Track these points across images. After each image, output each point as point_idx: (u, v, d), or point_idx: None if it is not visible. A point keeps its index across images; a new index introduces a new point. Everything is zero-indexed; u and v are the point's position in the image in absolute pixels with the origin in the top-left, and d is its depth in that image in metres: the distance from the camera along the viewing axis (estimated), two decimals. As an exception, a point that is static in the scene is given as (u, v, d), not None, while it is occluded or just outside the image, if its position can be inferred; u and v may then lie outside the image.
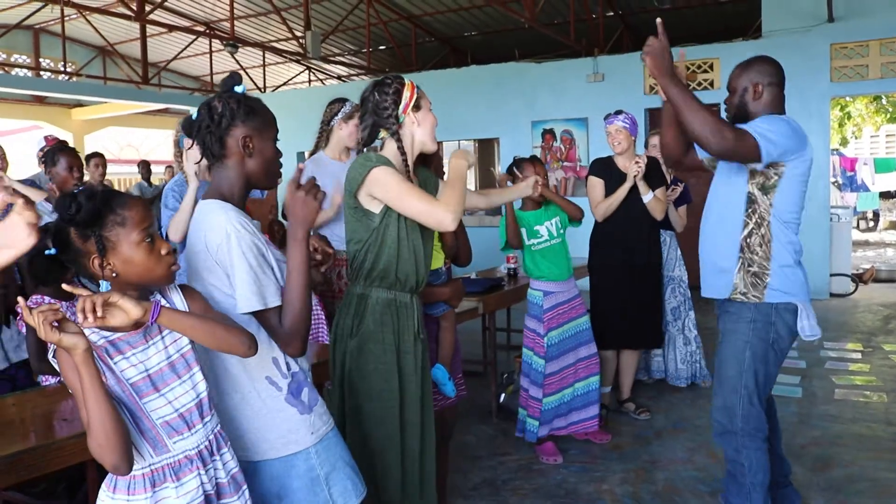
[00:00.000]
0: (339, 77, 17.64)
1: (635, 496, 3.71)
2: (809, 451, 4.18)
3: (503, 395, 4.99)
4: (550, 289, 4.21)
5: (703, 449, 4.26)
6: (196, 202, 3.63)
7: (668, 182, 4.97)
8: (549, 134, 10.67)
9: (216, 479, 1.74)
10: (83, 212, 1.56)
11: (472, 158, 2.54)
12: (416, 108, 2.52)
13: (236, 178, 1.94)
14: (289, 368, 1.93)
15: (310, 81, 17.71)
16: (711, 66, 9.56)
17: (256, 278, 1.82)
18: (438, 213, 2.33)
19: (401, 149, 2.49)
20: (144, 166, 10.26)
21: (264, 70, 16.09)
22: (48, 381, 3.10)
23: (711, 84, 9.53)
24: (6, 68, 14.76)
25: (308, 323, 1.90)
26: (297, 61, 16.16)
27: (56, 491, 3.57)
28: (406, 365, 2.48)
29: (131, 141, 21.26)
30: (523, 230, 4.20)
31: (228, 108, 1.91)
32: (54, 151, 4.20)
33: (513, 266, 5.48)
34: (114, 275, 1.62)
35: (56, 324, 1.44)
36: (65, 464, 2.34)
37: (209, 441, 1.73)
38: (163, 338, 1.70)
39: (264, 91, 16.25)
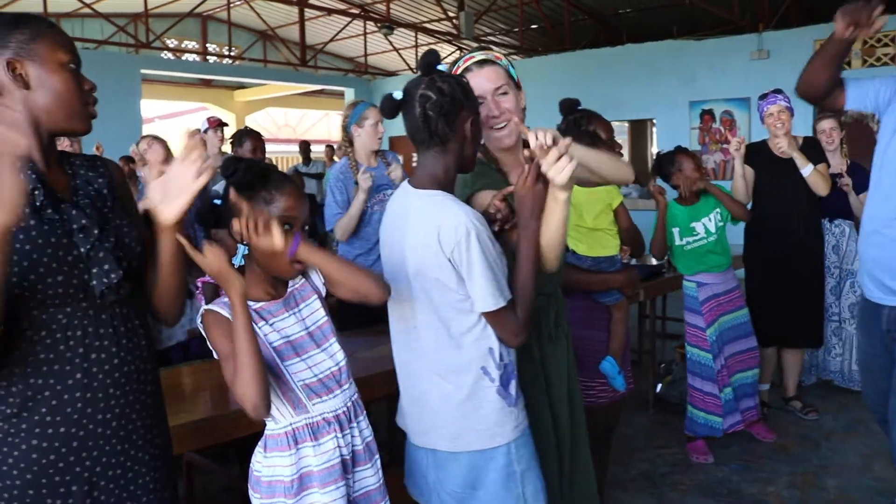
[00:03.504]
0: (489, 57, 17.61)
1: (804, 502, 3.51)
2: None
3: (660, 386, 4.85)
4: (705, 280, 3.98)
5: (882, 457, 3.94)
6: (363, 207, 3.73)
7: (845, 167, 4.62)
8: (707, 115, 10.25)
9: (353, 445, 1.80)
10: (237, 177, 1.70)
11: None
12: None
13: (453, 164, 1.88)
14: (502, 359, 1.87)
15: (460, 61, 17.79)
16: (894, 40, 8.84)
17: (495, 276, 1.77)
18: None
19: None
20: (304, 147, 10.62)
21: (416, 51, 16.29)
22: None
23: (893, 59, 8.82)
24: (177, 54, 15.70)
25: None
26: (449, 42, 16.26)
27: (228, 454, 3.78)
28: (550, 372, 2.25)
29: (288, 121, 22.16)
30: (675, 229, 3.96)
31: (458, 89, 1.83)
32: (241, 135, 4.56)
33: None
34: (245, 243, 1.74)
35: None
36: (241, 433, 2.45)
37: (347, 408, 1.80)
38: (300, 310, 1.80)
39: (416, 72, 16.47)
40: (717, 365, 3.95)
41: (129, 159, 6.35)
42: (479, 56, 2.12)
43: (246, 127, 4.79)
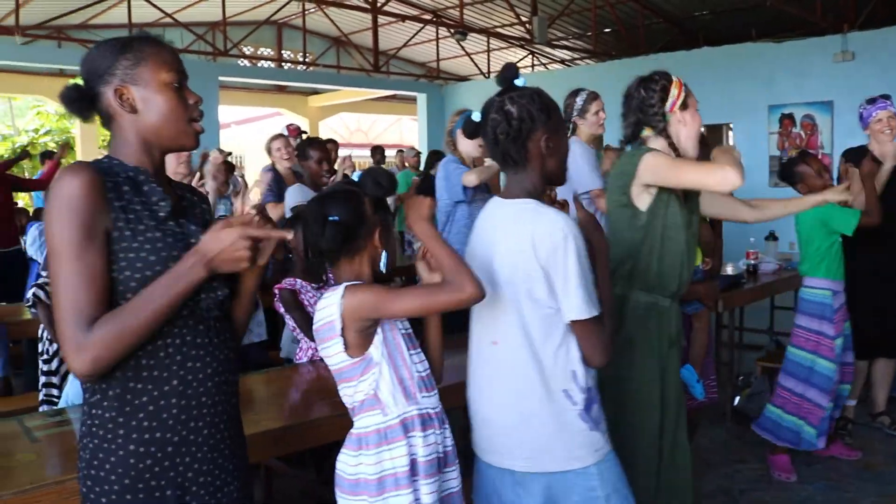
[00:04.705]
0: (562, 61, 17.49)
1: (894, 524, 3.36)
2: None
3: (738, 398, 4.71)
4: (838, 287, 3.82)
5: (981, 479, 3.76)
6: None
7: None
8: (787, 119, 9.96)
9: (444, 445, 1.84)
10: (384, 191, 1.78)
11: (737, 154, 2.37)
12: (684, 107, 2.41)
13: (538, 179, 1.89)
14: (586, 382, 1.86)
15: (533, 66, 17.71)
16: None
17: (588, 285, 1.77)
18: (718, 172, 2.20)
19: (672, 145, 2.38)
20: (379, 152, 10.72)
21: (488, 56, 16.29)
22: (301, 358, 3.30)
23: None
24: (253, 61, 16.05)
25: None
26: (522, 46, 16.21)
27: (304, 460, 3.82)
28: (666, 372, 2.35)
29: (361, 125, 22.43)
30: (822, 228, 3.79)
31: (527, 111, 1.84)
32: (305, 146, 4.51)
33: (752, 262, 5.13)
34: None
35: None
36: (322, 441, 2.47)
37: (440, 409, 1.85)
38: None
39: (488, 76, 16.47)
40: (837, 377, 3.78)
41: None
42: None
43: (309, 137, 4.79)
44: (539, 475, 1.84)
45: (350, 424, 2.29)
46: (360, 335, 1.74)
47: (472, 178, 4.04)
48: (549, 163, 1.88)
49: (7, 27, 11.45)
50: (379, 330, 1.77)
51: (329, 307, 1.74)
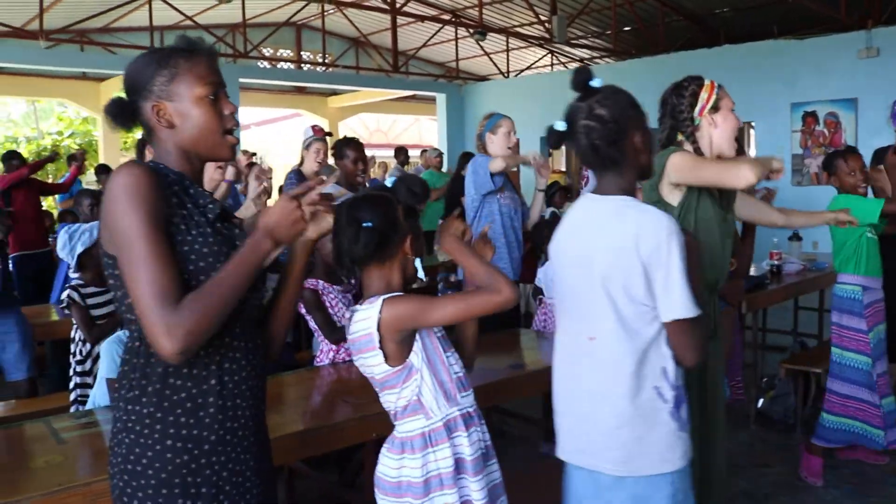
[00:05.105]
0: (581, 60, 17.43)
1: (923, 528, 3.32)
2: None
3: (762, 400, 4.67)
4: (869, 284, 3.76)
5: None
6: None
7: None
8: (810, 117, 9.87)
9: (485, 440, 1.89)
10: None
11: (777, 163, 2.36)
12: (715, 109, 2.43)
13: (632, 176, 1.91)
14: (676, 381, 1.85)
15: (552, 65, 17.67)
16: None
17: (688, 284, 1.77)
18: (733, 169, 2.22)
19: (697, 150, 2.38)
20: (403, 153, 10.74)
21: (507, 55, 16.27)
22: (321, 360, 3.31)
23: None
24: (273, 62, 16.12)
25: None
26: (541, 45, 16.16)
27: (326, 461, 3.84)
28: (708, 367, 2.34)
29: (380, 126, 22.47)
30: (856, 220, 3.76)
31: (619, 112, 1.85)
32: (342, 145, 4.54)
33: (776, 263, 5.09)
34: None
35: None
36: (344, 443, 2.48)
37: (476, 406, 1.91)
38: None
39: (507, 76, 16.45)
40: (875, 372, 3.71)
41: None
42: None
43: (345, 136, 4.81)
44: (627, 479, 1.81)
45: (371, 427, 2.30)
46: (399, 345, 1.77)
47: (498, 163, 4.04)
48: (642, 158, 1.90)
49: (31, 31, 11.57)
50: (417, 336, 1.80)
51: (367, 319, 1.76)
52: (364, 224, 1.77)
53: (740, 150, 2.54)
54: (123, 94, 1.58)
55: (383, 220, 1.79)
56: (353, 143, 4.60)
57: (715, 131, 2.43)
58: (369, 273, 1.85)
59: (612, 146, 1.84)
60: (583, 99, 1.88)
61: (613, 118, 1.83)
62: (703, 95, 2.42)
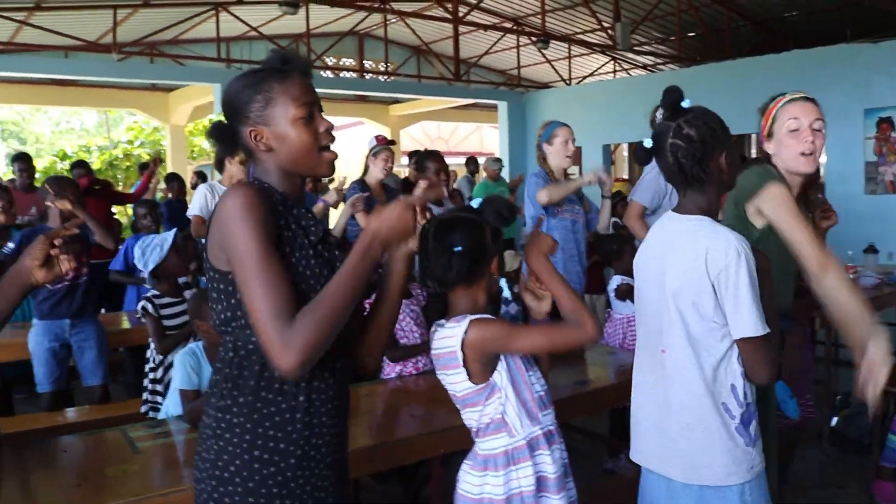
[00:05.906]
0: (644, 66, 17.22)
1: None
2: None
3: (836, 419, 4.52)
4: None
5: None
6: None
7: None
8: (885, 123, 9.54)
9: (564, 458, 1.92)
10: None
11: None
12: (769, 135, 2.46)
13: (715, 195, 1.95)
14: (745, 398, 1.89)
15: (615, 72, 17.50)
16: None
17: (758, 303, 1.81)
18: (820, 258, 2.22)
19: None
20: (473, 162, 10.77)
21: (570, 62, 16.17)
22: (389, 374, 3.32)
23: None
24: (336, 72, 16.33)
25: None
26: (603, 52, 16.03)
27: (391, 476, 3.85)
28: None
29: (441, 133, 22.55)
30: None
31: (707, 132, 1.89)
32: (423, 158, 4.61)
33: (851, 277, 4.93)
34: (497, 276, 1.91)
35: None
36: (413, 458, 2.48)
37: (556, 424, 1.93)
38: None
39: (570, 83, 16.34)
40: None
41: None
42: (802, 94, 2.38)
43: (426, 149, 4.88)
44: (692, 486, 1.88)
45: (439, 443, 2.31)
46: (483, 366, 1.80)
47: (542, 197, 4.00)
48: (727, 178, 1.95)
49: (105, 45, 11.95)
50: (501, 357, 1.83)
51: (452, 337, 1.79)
52: (455, 249, 1.79)
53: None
54: (223, 118, 1.62)
55: (473, 245, 1.81)
56: (434, 156, 4.67)
57: (778, 161, 2.46)
58: (456, 293, 1.87)
59: (698, 165, 1.88)
60: (672, 118, 1.92)
61: (702, 139, 1.87)
62: (762, 122, 2.45)
